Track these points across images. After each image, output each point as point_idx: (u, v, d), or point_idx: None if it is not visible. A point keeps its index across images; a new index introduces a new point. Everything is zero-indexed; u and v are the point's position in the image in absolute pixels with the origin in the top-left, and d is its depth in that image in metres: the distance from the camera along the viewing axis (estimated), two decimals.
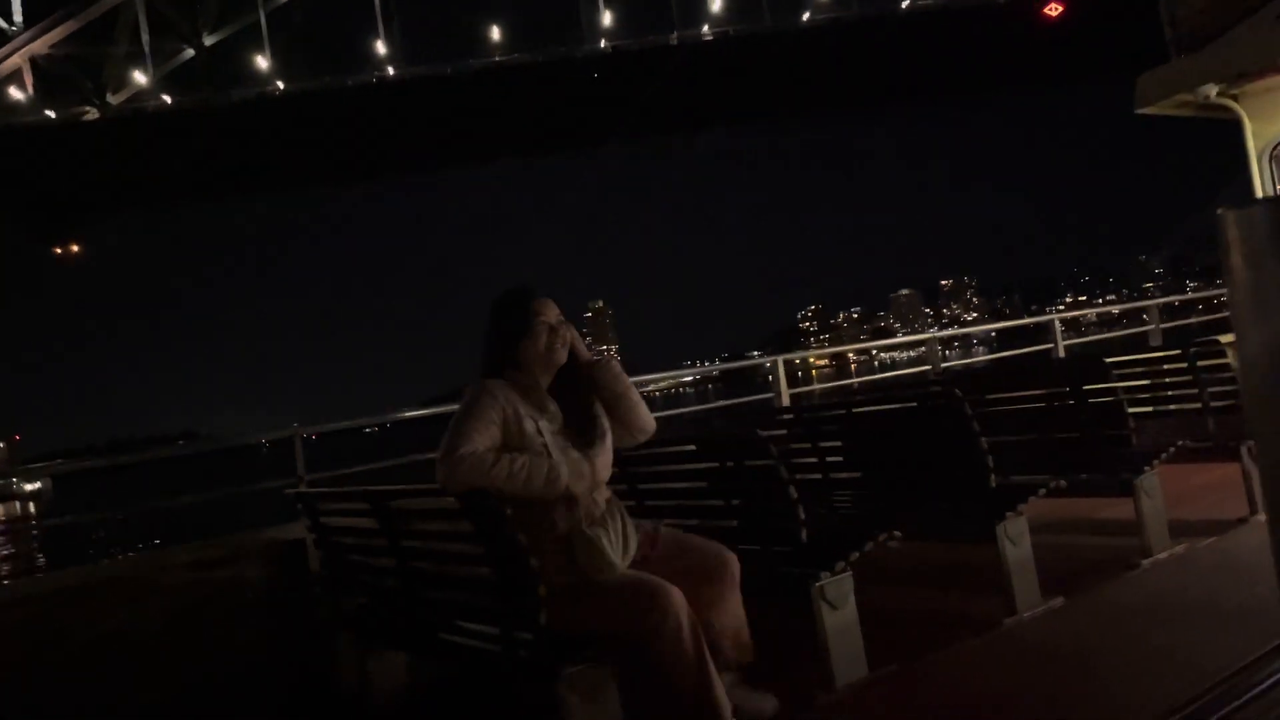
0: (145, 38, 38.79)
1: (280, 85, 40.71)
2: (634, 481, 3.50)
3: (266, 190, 54.85)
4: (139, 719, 3.39)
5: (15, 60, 38.03)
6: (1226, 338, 4.87)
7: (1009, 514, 3.28)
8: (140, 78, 39.61)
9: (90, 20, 38.50)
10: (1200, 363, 4.46)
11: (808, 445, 4.07)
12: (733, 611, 2.62)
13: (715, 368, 8.65)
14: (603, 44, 41.77)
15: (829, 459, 3.99)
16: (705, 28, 42.11)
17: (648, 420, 2.74)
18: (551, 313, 2.65)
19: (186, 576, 3.70)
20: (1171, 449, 3.87)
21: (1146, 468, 3.74)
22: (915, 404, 4.15)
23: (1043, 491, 3.40)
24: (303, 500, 3.61)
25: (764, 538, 3.07)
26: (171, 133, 39.54)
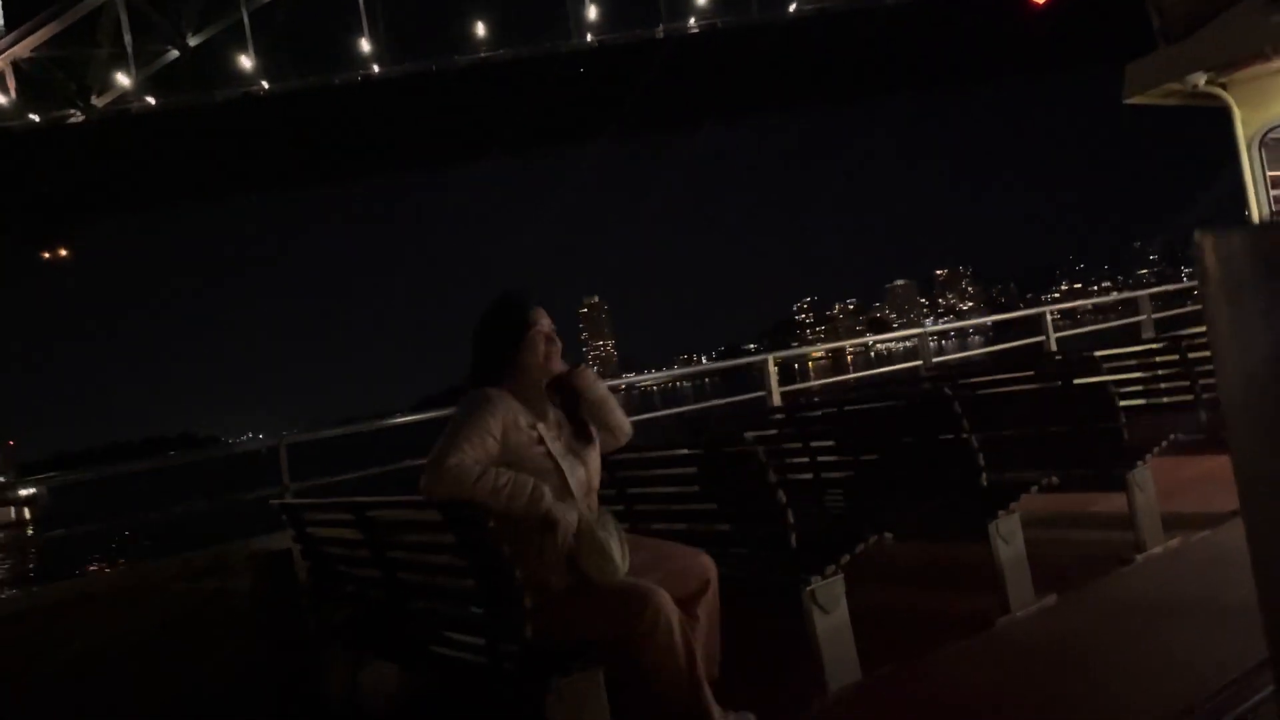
0: (128, 39, 38.48)
1: (265, 85, 40.47)
2: (623, 486, 3.47)
3: (256, 190, 54.53)
4: None
5: None
6: None
7: (1001, 512, 3.26)
8: (124, 79, 39.31)
9: (72, 22, 38.18)
10: (1192, 355, 4.45)
11: (799, 445, 4.04)
12: (708, 620, 2.62)
13: (708, 367, 8.70)
14: (589, 38, 41.61)
15: (820, 458, 3.97)
16: (692, 20, 41.99)
17: (626, 422, 2.80)
18: (545, 321, 2.68)
19: (175, 588, 3.69)
20: (1164, 443, 3.85)
21: (1139, 462, 3.72)
22: (906, 403, 4.12)
23: (1034, 489, 3.38)
24: (288, 511, 3.57)
25: (754, 542, 3.04)
26: (157, 134, 39.27)
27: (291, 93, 40.73)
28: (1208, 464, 4.44)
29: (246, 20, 39.61)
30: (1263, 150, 6.01)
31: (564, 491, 2.56)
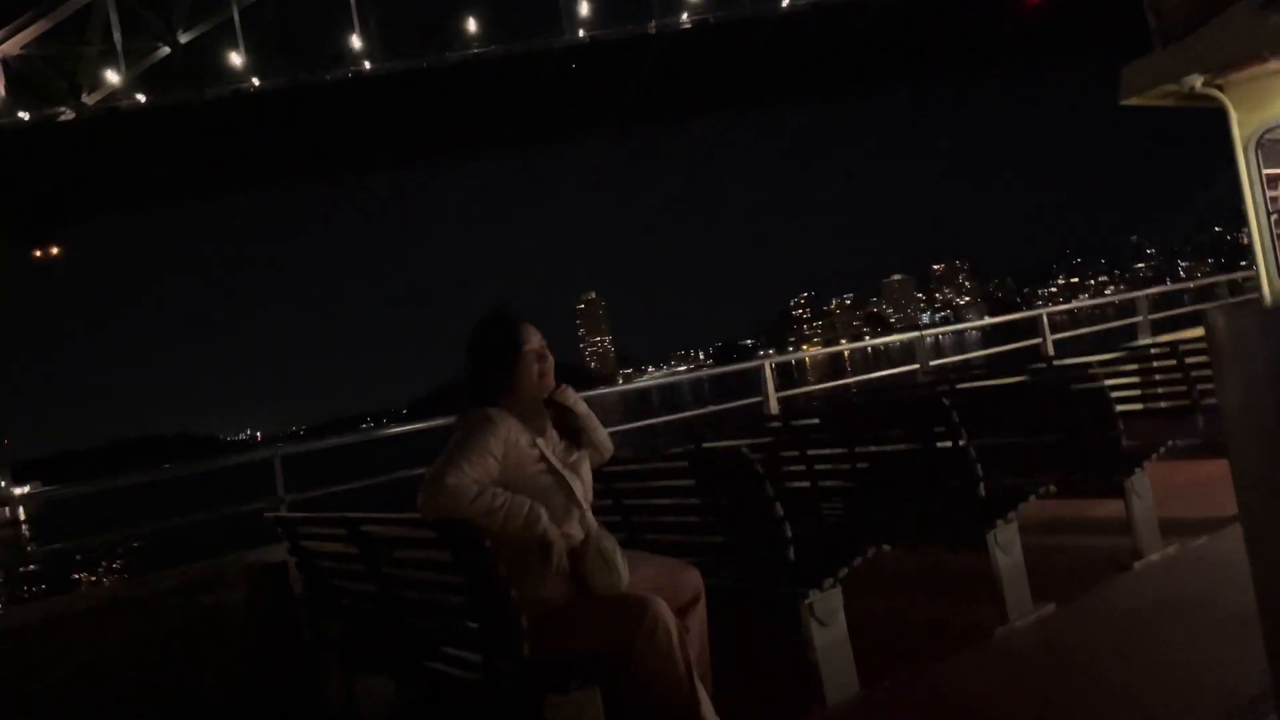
0: (118, 36, 38.26)
1: (256, 82, 40.28)
2: (619, 498, 3.45)
3: (249, 187, 54.41)
4: None
5: None
6: None
7: (999, 521, 3.24)
8: (114, 77, 39.10)
9: (62, 20, 37.93)
10: (1189, 360, 4.44)
11: (796, 453, 4.02)
12: (698, 633, 2.61)
13: (704, 372, 8.82)
14: (581, 34, 41.48)
15: (817, 466, 3.95)
16: (684, 15, 41.89)
17: (608, 439, 2.86)
18: (536, 339, 2.68)
19: (170, 600, 3.67)
20: (1162, 449, 3.84)
21: (1137, 468, 3.71)
22: (903, 411, 4.11)
23: (1032, 498, 3.36)
24: (282, 524, 3.56)
25: (752, 554, 3.02)
26: (148, 132, 39.10)
27: (282, 90, 40.60)
28: (1206, 469, 4.43)
29: (237, 17, 39.44)
30: (1259, 151, 6.00)
31: (572, 503, 2.58)
